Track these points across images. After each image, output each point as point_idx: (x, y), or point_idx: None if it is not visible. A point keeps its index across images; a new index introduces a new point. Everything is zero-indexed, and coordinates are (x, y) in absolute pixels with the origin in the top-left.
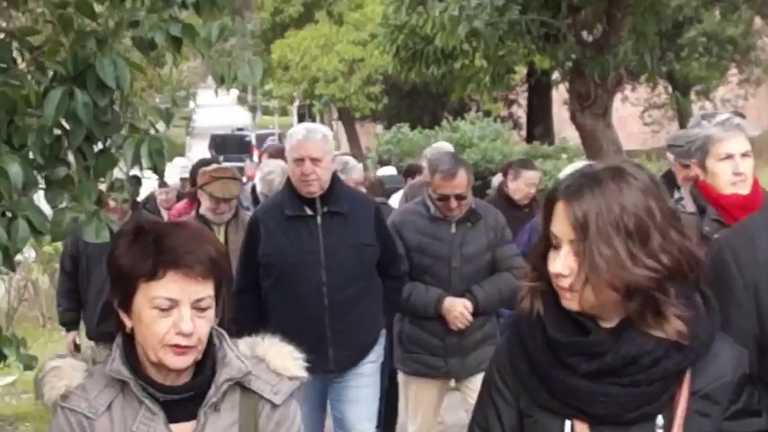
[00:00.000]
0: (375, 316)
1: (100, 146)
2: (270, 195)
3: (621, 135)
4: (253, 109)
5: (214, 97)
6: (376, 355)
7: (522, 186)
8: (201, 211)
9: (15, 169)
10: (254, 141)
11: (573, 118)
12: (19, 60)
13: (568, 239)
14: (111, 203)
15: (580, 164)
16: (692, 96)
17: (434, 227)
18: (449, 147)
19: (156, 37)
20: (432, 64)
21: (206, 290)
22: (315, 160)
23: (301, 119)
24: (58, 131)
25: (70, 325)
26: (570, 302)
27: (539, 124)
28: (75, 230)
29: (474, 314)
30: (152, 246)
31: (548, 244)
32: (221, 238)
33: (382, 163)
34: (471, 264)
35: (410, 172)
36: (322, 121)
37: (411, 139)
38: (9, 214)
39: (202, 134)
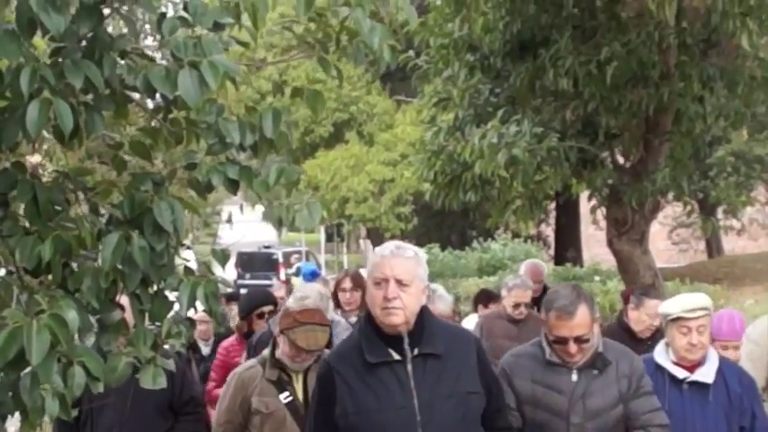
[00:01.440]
0: None
1: (154, 287)
2: None
3: None
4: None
5: (240, 214)
6: None
7: (643, 317)
8: (278, 355)
9: (72, 315)
10: (280, 259)
11: (610, 244)
12: (72, 200)
13: None
14: None
15: (696, 295)
16: (720, 214)
17: (551, 374)
18: (541, 264)
19: (213, 179)
20: (469, 190)
21: None
22: (401, 283)
23: (330, 237)
24: (113, 275)
25: None
26: None
27: (568, 244)
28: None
29: None
30: None
31: None
32: (299, 389)
33: None
34: (597, 420)
35: (482, 299)
36: (349, 240)
37: (441, 260)
38: (64, 360)
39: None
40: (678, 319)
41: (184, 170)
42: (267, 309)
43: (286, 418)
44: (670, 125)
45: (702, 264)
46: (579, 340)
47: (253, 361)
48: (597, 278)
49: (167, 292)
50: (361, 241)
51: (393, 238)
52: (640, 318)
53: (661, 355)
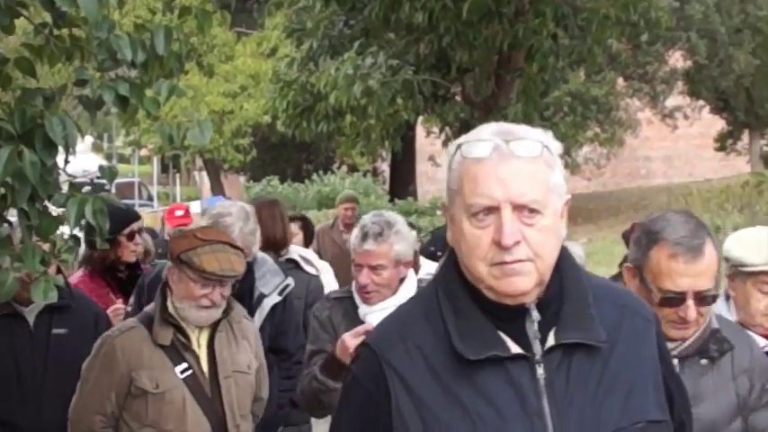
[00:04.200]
0: None
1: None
2: None
3: None
4: (109, 157)
5: None
6: None
7: None
8: (171, 308)
9: None
10: (113, 190)
11: None
12: None
13: None
14: None
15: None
16: None
17: None
18: None
19: (104, 96)
20: (321, 120)
21: None
22: (527, 210)
23: (165, 169)
24: (1, 190)
25: None
26: None
27: (404, 180)
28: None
29: None
30: None
31: None
32: (203, 355)
33: None
34: None
35: None
36: (188, 172)
37: (280, 193)
38: None
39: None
40: (761, 273)
41: (75, 86)
42: (137, 226)
43: (185, 401)
44: (522, 62)
45: None
46: (702, 299)
47: (132, 320)
48: (439, 212)
49: (52, 209)
50: (196, 174)
51: (231, 169)
52: None
53: (722, 313)
